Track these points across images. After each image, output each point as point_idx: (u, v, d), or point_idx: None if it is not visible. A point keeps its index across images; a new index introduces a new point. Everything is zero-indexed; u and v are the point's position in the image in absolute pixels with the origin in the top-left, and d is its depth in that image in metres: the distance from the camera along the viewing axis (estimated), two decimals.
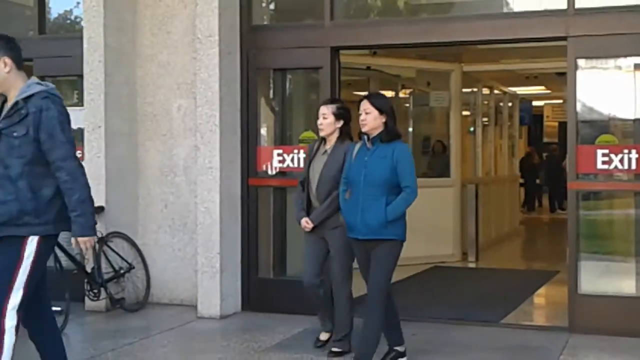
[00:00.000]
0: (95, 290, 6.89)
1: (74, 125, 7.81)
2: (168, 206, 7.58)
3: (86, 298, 7.01)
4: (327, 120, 5.70)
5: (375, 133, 5.14)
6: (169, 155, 7.59)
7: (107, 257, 7.05)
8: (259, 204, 7.39)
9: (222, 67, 7.09)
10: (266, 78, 7.64)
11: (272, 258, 7.56)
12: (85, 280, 6.88)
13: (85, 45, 7.32)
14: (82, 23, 7.45)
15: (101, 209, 7.15)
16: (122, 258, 7.21)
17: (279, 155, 7.26)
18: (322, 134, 5.77)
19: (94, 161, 7.30)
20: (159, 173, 7.63)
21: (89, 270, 6.90)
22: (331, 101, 5.90)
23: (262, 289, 7.29)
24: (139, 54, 7.64)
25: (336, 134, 5.75)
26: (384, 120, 5.12)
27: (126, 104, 7.56)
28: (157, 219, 7.61)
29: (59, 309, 6.51)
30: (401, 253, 5.12)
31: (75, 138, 7.79)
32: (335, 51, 7.16)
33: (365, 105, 5.15)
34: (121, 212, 7.44)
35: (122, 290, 7.18)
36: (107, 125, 7.34)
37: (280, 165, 7.26)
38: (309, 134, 7.16)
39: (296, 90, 8.02)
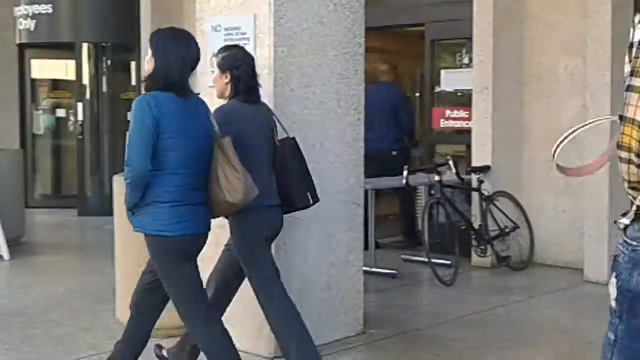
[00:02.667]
0: (483, 247, 7.12)
1: (462, 87, 8.14)
2: (553, 168, 7.50)
3: (473, 254, 7.27)
4: (213, 75, 4.25)
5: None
6: (554, 117, 7.49)
7: (493, 216, 7.22)
8: None
9: (615, 23, 6.80)
10: None
11: None
12: (473, 237, 7.13)
13: (475, 8, 7.48)
14: None
15: (487, 168, 7.33)
16: (508, 217, 7.32)
17: None
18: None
19: (481, 122, 7.48)
20: (543, 134, 7.58)
21: (476, 227, 7.14)
22: (218, 51, 4.29)
23: None
24: (527, 14, 7.61)
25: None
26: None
27: (513, 65, 7.60)
28: (542, 181, 7.58)
29: (449, 262, 6.88)
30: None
31: (463, 100, 8.11)
32: None
33: None
34: (506, 172, 7.53)
35: (507, 248, 7.31)
36: (494, 87, 7.45)
37: None
38: None
39: None
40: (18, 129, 11.80)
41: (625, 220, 2.35)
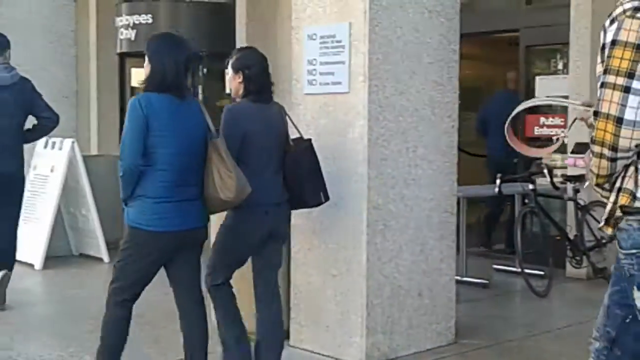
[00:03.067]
0: (578, 258, 6.95)
1: (557, 93, 7.99)
2: None
3: (568, 264, 7.11)
4: (227, 76, 4.34)
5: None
6: None
7: (589, 226, 7.05)
8: None
9: None
10: None
11: None
12: (568, 247, 6.98)
13: (572, 13, 7.35)
14: None
15: (583, 177, 7.16)
16: None
17: None
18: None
19: (577, 129, 7.30)
20: None
21: (571, 237, 6.98)
22: (233, 52, 4.38)
23: None
24: None
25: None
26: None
27: None
28: None
29: (542, 273, 6.75)
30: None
31: (554, 108, 7.95)
32: None
33: None
34: None
35: (603, 259, 7.10)
36: (591, 93, 7.28)
37: None
38: None
39: None
40: (117, 136, 12.21)
41: (602, 223, 2.38)
